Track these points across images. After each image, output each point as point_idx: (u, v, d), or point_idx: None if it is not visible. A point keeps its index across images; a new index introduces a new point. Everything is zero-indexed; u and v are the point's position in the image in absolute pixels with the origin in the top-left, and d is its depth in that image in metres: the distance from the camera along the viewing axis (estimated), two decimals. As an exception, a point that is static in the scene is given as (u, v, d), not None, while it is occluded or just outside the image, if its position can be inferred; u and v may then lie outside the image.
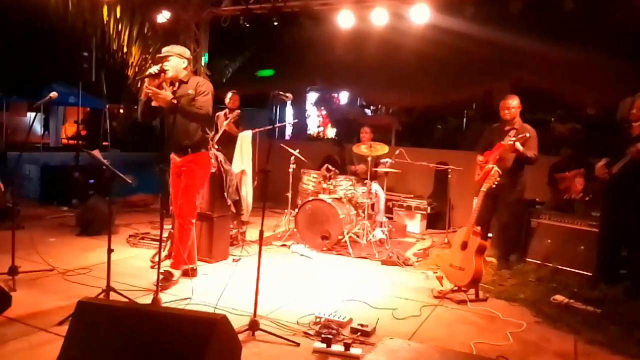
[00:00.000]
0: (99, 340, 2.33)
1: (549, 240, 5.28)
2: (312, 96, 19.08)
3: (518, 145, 4.71)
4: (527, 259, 5.30)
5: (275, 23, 6.90)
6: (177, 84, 4.18)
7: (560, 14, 5.85)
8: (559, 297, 4.21)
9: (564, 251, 5.12)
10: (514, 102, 4.94)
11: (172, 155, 4.37)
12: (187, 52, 4.30)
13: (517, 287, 4.53)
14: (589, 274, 4.81)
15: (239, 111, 6.49)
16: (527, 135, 4.73)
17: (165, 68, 4.02)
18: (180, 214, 4.30)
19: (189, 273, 4.40)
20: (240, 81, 10.22)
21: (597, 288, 4.42)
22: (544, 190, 6.18)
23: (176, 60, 4.15)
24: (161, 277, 4.04)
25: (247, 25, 7.14)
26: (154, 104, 4.08)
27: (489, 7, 6.18)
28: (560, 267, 5.03)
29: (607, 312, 3.92)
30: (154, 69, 4.01)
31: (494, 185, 4.35)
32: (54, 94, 4.17)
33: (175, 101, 3.93)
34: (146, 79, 4.01)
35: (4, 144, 15.42)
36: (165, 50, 4.21)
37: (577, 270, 4.94)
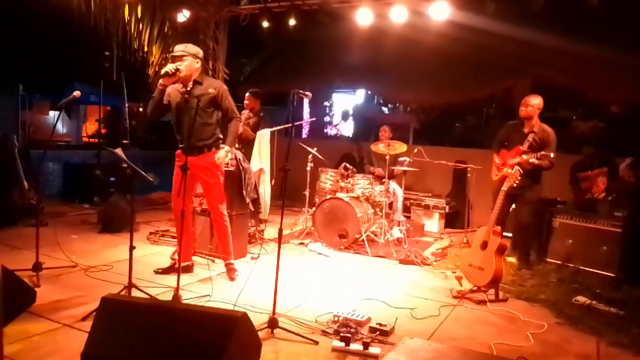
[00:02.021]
0: (122, 335, 2.36)
1: (571, 241, 5.20)
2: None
3: (533, 159, 4.61)
4: (548, 259, 5.23)
5: (293, 23, 6.89)
6: (190, 83, 4.19)
7: (583, 10, 5.74)
8: (580, 298, 4.15)
9: (586, 251, 5.04)
10: (535, 100, 4.81)
11: (181, 153, 4.28)
12: (200, 52, 4.29)
13: (538, 288, 4.48)
14: (611, 275, 4.74)
15: (256, 118, 6.37)
16: (535, 162, 4.59)
17: (179, 67, 4.04)
18: (214, 210, 4.42)
19: (190, 269, 4.55)
20: (258, 79, 10.24)
21: (620, 289, 4.35)
22: (566, 190, 6.09)
23: (190, 60, 4.15)
24: (230, 271, 4.44)
25: (266, 24, 7.16)
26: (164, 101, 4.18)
27: (509, 4, 6.09)
28: (582, 267, 4.96)
29: (630, 314, 3.85)
30: (170, 68, 4.02)
31: (514, 185, 4.31)
32: (77, 93, 4.23)
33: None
34: (161, 79, 4.08)
35: (27, 142, 15.75)
36: (179, 49, 4.20)
37: (599, 271, 4.87)
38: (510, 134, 4.99)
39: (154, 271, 4.47)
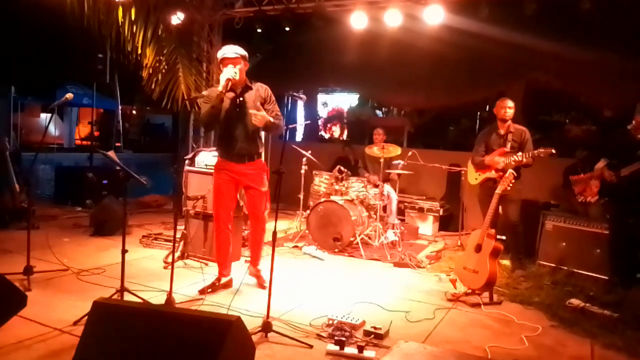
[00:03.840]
0: (114, 340, 2.33)
1: (564, 243, 5.22)
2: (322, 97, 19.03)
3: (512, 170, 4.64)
4: (541, 262, 5.25)
5: (287, 29, 6.89)
6: (240, 88, 4.01)
7: (577, 15, 5.78)
8: (574, 301, 4.15)
9: (580, 254, 5.06)
10: (511, 102, 5.01)
11: (227, 161, 4.11)
12: (247, 56, 4.06)
13: (532, 291, 4.49)
14: (605, 277, 4.75)
15: None
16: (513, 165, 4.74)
17: (235, 72, 3.86)
18: (260, 217, 4.23)
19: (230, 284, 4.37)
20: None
21: (613, 292, 4.36)
22: (559, 193, 6.11)
23: (243, 63, 3.98)
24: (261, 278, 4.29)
25: (260, 27, 7.15)
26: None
27: (503, 8, 6.12)
28: (575, 270, 4.97)
29: (624, 316, 3.85)
30: (231, 74, 3.82)
31: (508, 188, 4.32)
32: (70, 95, 4.19)
33: (269, 120, 3.89)
34: (229, 85, 3.84)
35: (19, 144, 15.64)
36: (230, 50, 3.95)
37: (592, 274, 4.88)
38: (488, 139, 5.11)
39: (199, 291, 4.08)
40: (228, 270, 4.30)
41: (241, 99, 4.01)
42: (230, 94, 4.00)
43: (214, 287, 4.17)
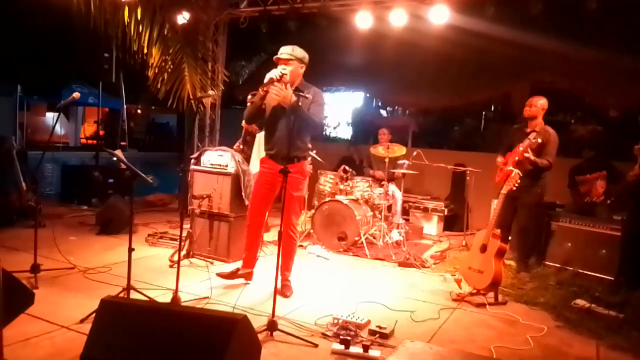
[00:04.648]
0: (121, 338, 2.35)
1: (570, 244, 5.21)
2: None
3: (529, 154, 4.67)
4: (546, 262, 5.24)
5: (293, 26, 6.89)
6: (291, 90, 3.94)
7: (582, 14, 5.76)
8: (580, 302, 4.15)
9: (585, 255, 5.05)
10: (540, 101, 4.93)
11: (269, 161, 4.13)
12: (306, 57, 4.09)
13: (537, 291, 4.48)
14: (610, 278, 4.74)
15: None
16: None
17: (284, 72, 3.86)
18: (288, 223, 4.10)
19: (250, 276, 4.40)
20: (257, 82, 10.24)
21: (619, 293, 4.35)
22: (565, 193, 6.10)
23: (296, 65, 3.99)
24: (286, 287, 4.18)
25: (265, 27, 7.16)
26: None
27: (509, 7, 6.10)
28: (581, 270, 4.96)
29: (630, 317, 3.85)
30: (276, 73, 3.83)
31: (514, 188, 4.31)
32: (76, 95, 4.22)
33: (295, 100, 3.77)
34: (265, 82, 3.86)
35: (25, 143, 15.71)
36: (285, 51, 3.99)
37: (598, 275, 4.87)
38: (515, 137, 5.03)
39: (216, 274, 4.29)
40: (251, 263, 4.35)
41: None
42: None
43: (233, 275, 4.29)
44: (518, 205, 4.88)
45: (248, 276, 4.36)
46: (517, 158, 4.74)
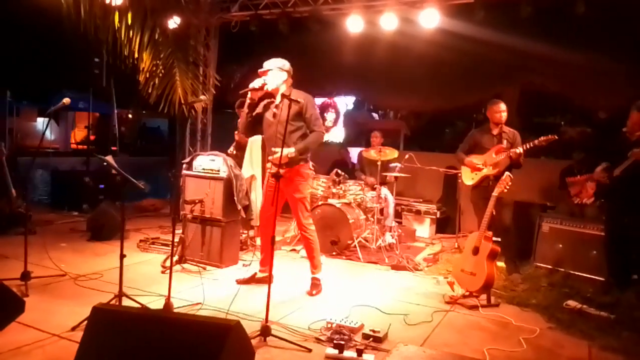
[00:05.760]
0: (113, 346, 2.33)
1: (560, 245, 5.24)
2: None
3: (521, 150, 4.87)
4: (537, 264, 5.27)
5: (284, 30, 6.90)
6: (278, 97, 4.22)
7: (571, 18, 5.82)
8: (571, 303, 4.18)
9: (576, 256, 5.08)
10: (504, 106, 5.09)
11: (271, 164, 4.26)
12: (286, 65, 4.28)
13: (529, 293, 4.51)
14: (601, 279, 4.77)
15: None
16: (518, 151, 4.85)
17: (265, 82, 4.15)
18: (299, 223, 4.43)
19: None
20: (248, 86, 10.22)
21: (610, 293, 4.38)
22: (555, 195, 6.14)
23: (275, 73, 4.21)
24: (312, 286, 4.38)
25: (256, 30, 7.15)
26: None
27: (498, 11, 6.15)
28: (572, 272, 4.99)
29: (621, 318, 3.89)
30: (256, 84, 4.12)
31: (505, 190, 4.34)
32: (67, 100, 4.18)
33: (293, 153, 4.10)
34: (249, 93, 4.19)
35: (15, 149, 15.58)
36: (265, 64, 4.26)
37: (589, 275, 4.90)
38: (479, 139, 5.18)
39: (236, 281, 4.51)
40: (267, 264, 4.30)
41: (275, 109, 4.25)
42: (270, 102, 4.32)
43: (250, 280, 4.48)
44: (498, 206, 4.91)
45: (263, 280, 4.36)
46: (496, 161, 4.90)
